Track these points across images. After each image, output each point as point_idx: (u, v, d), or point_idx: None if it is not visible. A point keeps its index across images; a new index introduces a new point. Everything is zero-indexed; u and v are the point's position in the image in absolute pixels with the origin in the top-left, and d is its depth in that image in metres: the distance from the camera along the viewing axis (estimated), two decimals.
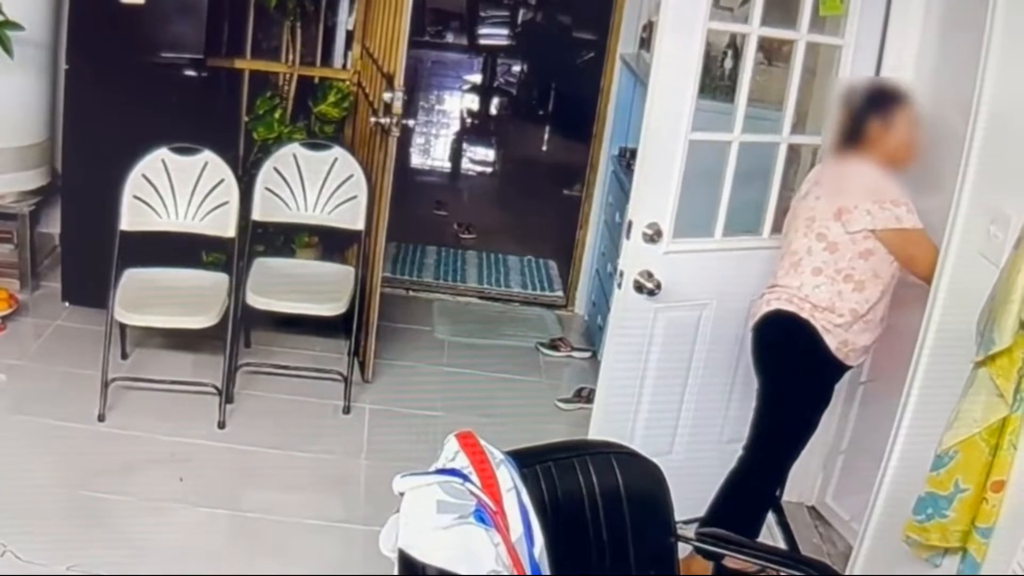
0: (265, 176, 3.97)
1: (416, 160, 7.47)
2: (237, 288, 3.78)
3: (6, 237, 4.35)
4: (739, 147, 3.03)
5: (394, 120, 3.72)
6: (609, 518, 2.17)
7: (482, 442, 1.98)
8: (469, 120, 8.66)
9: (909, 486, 2.43)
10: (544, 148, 8.04)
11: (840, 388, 3.02)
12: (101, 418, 3.57)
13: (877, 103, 2.81)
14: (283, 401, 3.87)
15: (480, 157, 7.97)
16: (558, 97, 8.24)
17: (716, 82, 3.76)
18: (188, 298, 3.70)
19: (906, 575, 2.52)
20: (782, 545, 3.28)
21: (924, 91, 2.92)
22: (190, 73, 4.10)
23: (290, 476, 3.47)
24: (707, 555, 2.34)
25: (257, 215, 3.94)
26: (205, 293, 3.73)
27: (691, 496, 2.71)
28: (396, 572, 1.79)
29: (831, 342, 2.79)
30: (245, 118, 4.42)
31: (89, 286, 4.04)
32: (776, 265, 2.93)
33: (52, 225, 4.50)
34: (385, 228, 3.92)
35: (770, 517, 3.23)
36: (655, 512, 2.23)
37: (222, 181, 3.80)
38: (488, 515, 1.82)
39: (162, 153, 3.76)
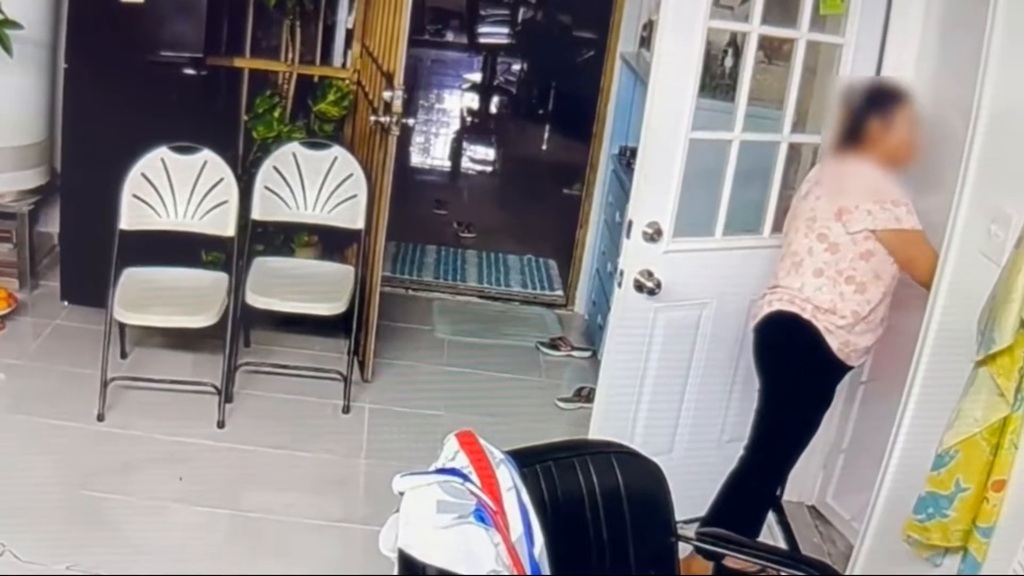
0: (264, 175, 3.97)
1: (416, 159, 7.46)
2: (236, 287, 3.78)
3: (5, 236, 4.34)
4: (739, 146, 3.02)
5: (394, 119, 3.72)
6: (609, 518, 2.17)
7: (482, 442, 1.98)
8: (469, 119, 8.65)
9: (910, 485, 2.43)
10: (544, 147, 8.04)
11: (841, 387, 3.01)
12: (100, 417, 3.57)
13: (877, 102, 2.80)
14: (283, 401, 3.87)
15: (480, 156, 7.96)
16: (558, 96, 8.24)
17: (716, 81, 3.75)
18: (187, 297, 3.70)
19: (907, 575, 2.52)
20: (782, 545, 3.28)
21: (925, 90, 2.92)
22: (189, 72, 4.10)
23: (290, 476, 3.46)
24: (707, 555, 2.34)
25: (257, 214, 3.94)
26: (204, 292, 3.73)
27: (691, 496, 2.71)
28: (396, 572, 1.79)
29: (833, 343, 2.79)
30: (244, 117, 4.42)
31: (88, 285, 4.04)
32: (777, 266, 2.93)
33: (51, 224, 4.50)
34: (385, 227, 3.91)
35: (770, 516, 3.23)
36: (655, 512, 2.22)
37: (221, 180, 3.80)
38: (488, 515, 1.82)
39: (161, 152, 3.75)
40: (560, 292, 5.21)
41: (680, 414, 3.26)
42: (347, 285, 3.93)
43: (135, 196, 3.72)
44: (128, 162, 3.71)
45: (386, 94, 3.76)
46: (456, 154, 7.81)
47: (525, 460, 2.08)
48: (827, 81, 3.19)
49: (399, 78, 3.70)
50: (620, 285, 3.00)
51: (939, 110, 2.83)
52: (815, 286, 2.79)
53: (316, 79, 4.53)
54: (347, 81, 4.53)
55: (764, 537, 3.12)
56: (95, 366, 3.61)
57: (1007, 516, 2.23)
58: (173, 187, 3.78)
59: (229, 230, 3.79)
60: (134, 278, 3.70)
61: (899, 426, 2.59)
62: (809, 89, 3.23)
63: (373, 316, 3.99)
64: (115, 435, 3.50)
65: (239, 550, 3.05)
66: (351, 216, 4.00)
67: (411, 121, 6.81)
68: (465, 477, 1.88)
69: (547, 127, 8.21)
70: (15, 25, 3.88)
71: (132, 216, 3.71)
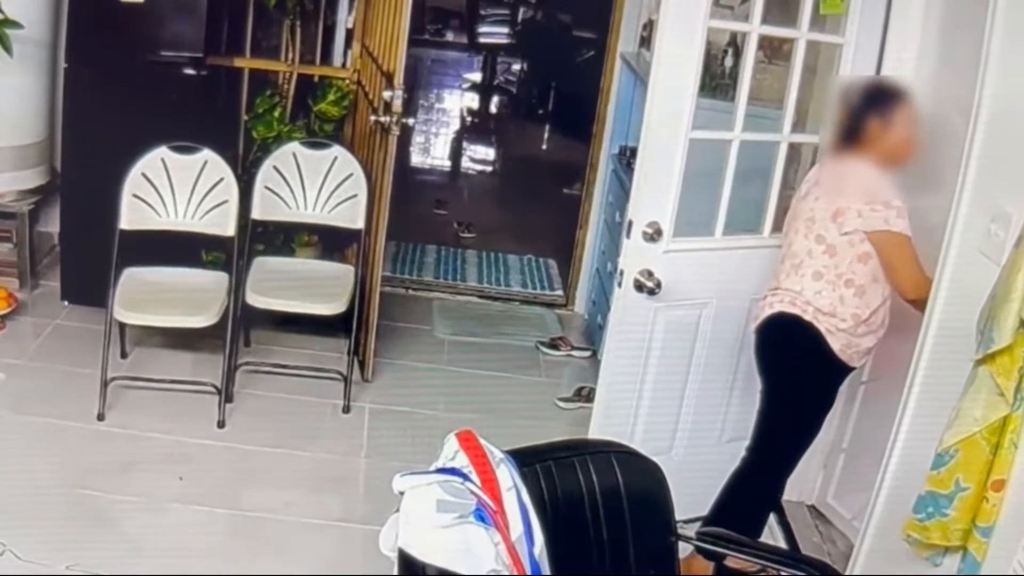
0: (265, 175, 3.97)
1: (416, 159, 7.46)
2: (237, 287, 3.78)
3: (5, 236, 4.34)
4: (739, 146, 3.02)
5: (394, 119, 3.72)
6: (609, 517, 2.17)
7: (482, 441, 1.98)
8: (469, 119, 8.65)
9: (910, 485, 2.43)
10: (544, 147, 8.04)
11: (841, 388, 3.01)
12: (100, 417, 3.57)
13: (876, 101, 2.79)
14: (283, 400, 3.87)
15: (480, 156, 7.96)
16: (558, 96, 8.24)
17: (716, 80, 3.75)
18: (187, 297, 3.70)
19: (907, 574, 2.52)
20: (782, 544, 3.28)
21: (925, 89, 2.92)
22: (190, 72, 4.10)
23: (290, 475, 3.46)
24: (708, 555, 2.34)
25: (257, 214, 3.94)
26: (204, 292, 3.73)
27: (691, 495, 2.71)
28: (396, 571, 1.79)
29: (835, 344, 2.78)
30: (245, 117, 4.42)
31: (88, 285, 4.04)
32: (778, 266, 2.93)
33: (51, 224, 4.50)
34: (385, 227, 3.91)
35: (770, 516, 3.23)
36: (655, 511, 2.22)
37: (221, 180, 3.80)
38: (488, 514, 1.82)
39: (161, 152, 3.75)
40: (560, 292, 5.21)
41: (680, 414, 3.26)
42: (347, 285, 3.93)
43: (135, 196, 3.72)
44: (128, 162, 3.71)
45: (386, 94, 3.76)
46: (456, 154, 7.80)
47: (525, 460, 2.08)
48: (827, 81, 3.19)
49: (399, 78, 3.70)
50: (620, 285, 3.00)
51: (939, 109, 2.83)
52: (815, 289, 2.79)
53: (316, 79, 4.53)
54: (347, 81, 4.53)
55: (764, 537, 3.12)
56: (95, 366, 3.61)
57: (1007, 516, 2.23)
58: (173, 187, 3.78)
59: (229, 230, 3.79)
60: (134, 278, 3.70)
61: (899, 425, 2.59)
62: (809, 89, 3.23)
63: (373, 316, 3.99)
64: (115, 435, 3.50)
65: (239, 549, 3.05)
66: (351, 216, 4.00)
67: (411, 121, 6.81)
68: (465, 477, 1.88)
69: (547, 127, 8.21)
70: (15, 25, 3.88)
71: (132, 216, 3.71)
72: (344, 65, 4.59)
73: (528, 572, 1.87)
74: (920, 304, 2.65)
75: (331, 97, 4.48)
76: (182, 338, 3.94)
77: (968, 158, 2.40)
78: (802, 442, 2.96)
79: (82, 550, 2.87)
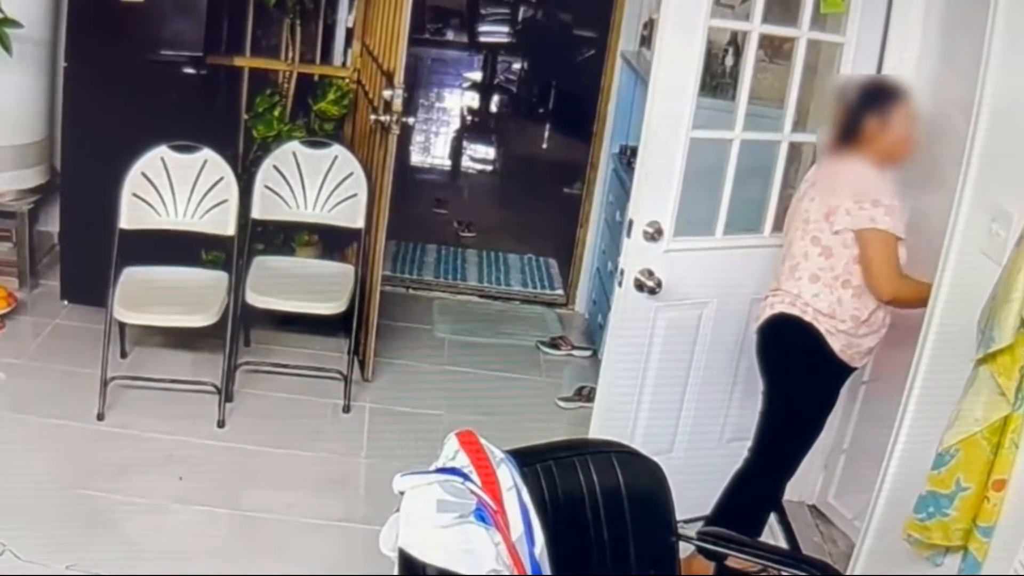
0: (264, 174, 3.97)
1: (416, 158, 7.46)
2: (236, 286, 3.78)
3: (5, 235, 4.34)
4: (740, 145, 3.02)
5: (394, 118, 3.72)
6: (610, 517, 2.17)
7: (482, 441, 1.98)
8: (469, 118, 8.64)
9: (910, 485, 2.43)
10: (544, 146, 8.03)
11: (843, 388, 3.01)
12: (100, 417, 3.57)
13: (874, 100, 2.78)
14: (283, 400, 3.87)
15: (480, 155, 7.95)
16: (558, 95, 8.23)
17: (717, 80, 3.75)
18: (187, 296, 3.70)
19: (908, 574, 2.52)
20: (783, 544, 3.28)
21: (925, 89, 2.92)
22: (189, 71, 4.09)
23: (290, 475, 3.46)
24: (709, 555, 2.33)
25: (257, 213, 3.94)
26: (204, 291, 3.72)
27: (692, 495, 2.71)
28: (396, 571, 1.79)
29: (835, 344, 2.78)
30: (244, 116, 4.42)
31: (88, 284, 4.04)
32: (778, 266, 2.92)
33: (51, 223, 4.49)
34: (385, 226, 3.91)
35: (771, 516, 3.22)
36: (656, 511, 2.22)
37: (221, 179, 3.80)
38: (488, 514, 1.82)
39: (161, 151, 3.75)
40: (560, 291, 5.20)
41: (681, 413, 3.26)
42: (347, 284, 3.93)
43: (135, 195, 3.72)
44: (128, 161, 3.71)
45: (386, 93, 3.76)
46: (456, 153, 7.80)
47: (525, 459, 2.08)
48: (828, 80, 3.19)
49: (399, 77, 3.69)
50: (620, 284, 2.99)
51: (940, 108, 2.83)
52: (813, 292, 2.78)
53: (316, 78, 4.53)
54: (347, 80, 4.53)
55: (765, 537, 3.12)
56: (95, 365, 3.61)
57: (1008, 515, 2.22)
58: (173, 186, 3.77)
59: (229, 229, 3.78)
60: (134, 277, 3.70)
61: (900, 425, 2.58)
62: (810, 88, 3.23)
63: (373, 315, 3.99)
64: (115, 434, 3.50)
65: (239, 549, 3.05)
66: (351, 215, 4.00)
67: (411, 120, 6.81)
68: (465, 476, 1.88)
69: (547, 126, 8.20)
70: (15, 24, 3.88)
71: (132, 215, 3.71)
72: (344, 64, 4.59)
73: (529, 572, 1.87)
74: (899, 305, 2.64)
75: (331, 96, 4.48)
76: (182, 338, 3.94)
77: (969, 157, 2.39)
78: (804, 443, 2.96)
79: (82, 550, 2.87)
